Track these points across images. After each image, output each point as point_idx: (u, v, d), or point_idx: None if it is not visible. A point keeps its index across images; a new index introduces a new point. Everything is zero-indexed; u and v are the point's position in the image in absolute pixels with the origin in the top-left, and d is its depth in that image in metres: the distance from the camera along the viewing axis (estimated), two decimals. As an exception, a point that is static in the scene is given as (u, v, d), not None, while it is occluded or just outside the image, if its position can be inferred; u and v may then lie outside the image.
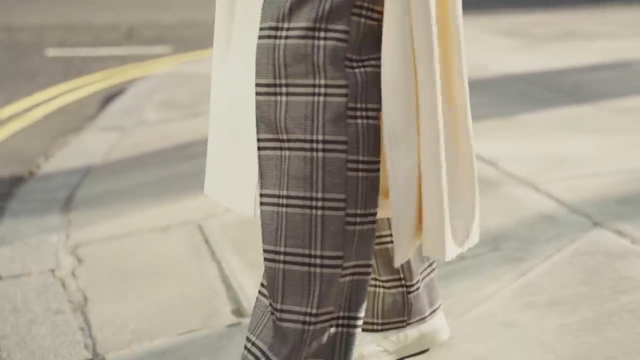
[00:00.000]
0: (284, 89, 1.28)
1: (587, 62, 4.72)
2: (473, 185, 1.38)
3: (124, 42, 6.23)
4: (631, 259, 2.07)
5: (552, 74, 4.42)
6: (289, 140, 1.28)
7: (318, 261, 1.29)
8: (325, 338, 1.32)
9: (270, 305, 1.32)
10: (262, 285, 1.36)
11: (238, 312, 2.03)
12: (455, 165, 1.36)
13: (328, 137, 1.27)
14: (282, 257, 1.30)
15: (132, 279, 2.32)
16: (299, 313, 1.30)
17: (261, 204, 1.32)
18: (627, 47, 5.22)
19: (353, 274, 1.32)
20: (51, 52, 5.89)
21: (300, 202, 1.29)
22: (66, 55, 5.78)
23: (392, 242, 1.54)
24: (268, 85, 1.29)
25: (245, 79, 1.36)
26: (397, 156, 1.29)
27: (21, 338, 2.04)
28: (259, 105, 1.30)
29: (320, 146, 1.27)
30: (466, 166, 1.37)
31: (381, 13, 1.29)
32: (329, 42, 1.26)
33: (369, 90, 1.28)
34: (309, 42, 1.25)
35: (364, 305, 1.35)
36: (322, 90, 1.26)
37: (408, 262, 1.63)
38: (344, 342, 1.34)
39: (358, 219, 1.30)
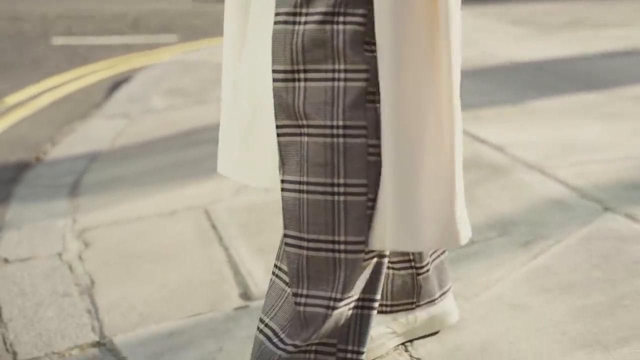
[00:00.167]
0: (302, 75, 1.26)
1: (597, 50, 4.68)
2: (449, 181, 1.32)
3: (130, 31, 6.21)
4: (643, 243, 2.05)
5: (562, 61, 4.38)
6: (308, 126, 1.27)
7: (342, 247, 1.28)
8: (341, 319, 1.30)
9: (293, 291, 1.30)
10: (279, 269, 1.35)
11: (245, 295, 2.02)
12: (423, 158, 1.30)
13: (348, 123, 1.25)
14: (305, 244, 1.29)
15: (139, 262, 2.31)
16: (323, 298, 1.29)
17: (282, 190, 1.31)
18: (637, 36, 5.18)
19: (372, 257, 1.30)
20: (57, 40, 5.88)
21: (321, 189, 1.27)
22: (72, 44, 5.77)
23: None
24: (286, 72, 1.27)
25: (264, 64, 1.34)
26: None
27: (28, 320, 2.03)
28: (276, 92, 1.29)
29: (340, 132, 1.26)
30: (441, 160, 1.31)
31: None
32: (349, 27, 1.24)
33: None
34: (328, 27, 1.24)
35: (380, 287, 1.34)
36: (342, 75, 1.25)
37: (418, 243, 1.61)
38: (359, 324, 1.32)
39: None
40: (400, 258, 1.59)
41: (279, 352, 1.31)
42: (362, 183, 1.27)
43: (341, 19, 1.24)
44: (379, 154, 1.27)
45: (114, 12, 7.16)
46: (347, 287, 1.29)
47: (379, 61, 1.22)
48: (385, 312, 1.62)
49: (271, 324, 1.34)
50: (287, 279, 1.34)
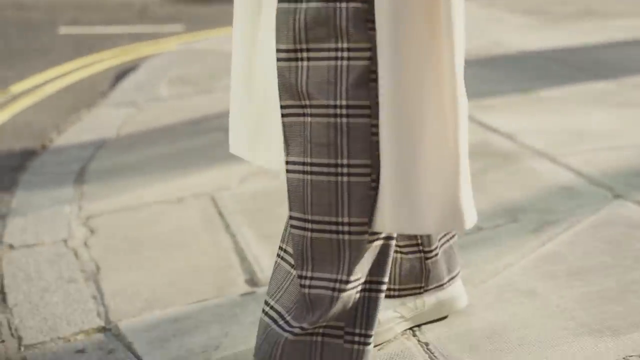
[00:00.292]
0: (304, 54, 1.24)
1: (606, 40, 4.64)
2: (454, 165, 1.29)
3: (137, 21, 6.20)
4: (654, 230, 2.02)
5: (571, 51, 4.35)
6: (311, 106, 1.25)
7: (346, 228, 1.27)
8: (349, 302, 1.29)
9: (298, 273, 1.29)
10: (284, 251, 1.33)
11: (252, 282, 2.01)
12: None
13: (351, 102, 1.24)
14: (310, 225, 1.28)
15: (145, 249, 2.30)
16: (329, 280, 1.27)
17: (287, 171, 1.30)
18: (646, 26, 5.14)
19: (378, 239, 1.29)
20: (63, 30, 5.86)
21: (325, 170, 1.26)
22: (78, 33, 5.76)
23: None
24: (288, 51, 1.25)
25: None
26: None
27: (34, 305, 2.02)
28: (280, 72, 1.27)
29: (344, 111, 1.24)
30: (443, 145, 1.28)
31: None
32: (351, 5, 1.22)
33: None
34: (331, 5, 1.22)
35: (388, 270, 1.32)
36: (345, 54, 1.23)
37: (427, 228, 1.59)
38: (367, 307, 1.31)
39: None
40: (408, 242, 1.58)
41: (286, 334, 1.29)
42: (365, 163, 1.25)
43: None
44: None
45: (121, 2, 7.15)
46: (352, 269, 1.27)
47: (377, 39, 1.20)
48: (393, 297, 1.60)
49: (277, 306, 1.32)
50: (292, 261, 1.32)
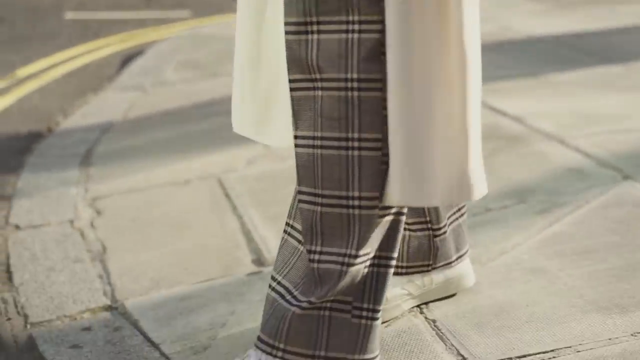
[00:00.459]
0: (314, 27, 1.23)
1: (617, 25, 4.61)
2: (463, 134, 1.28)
3: (143, 6, 6.18)
4: (663, 211, 2.01)
5: (580, 36, 4.32)
6: (321, 80, 1.24)
7: (356, 202, 1.25)
8: (357, 277, 1.28)
9: (307, 248, 1.28)
10: (291, 227, 1.32)
11: (259, 261, 2.00)
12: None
13: (363, 76, 1.22)
14: (320, 200, 1.26)
15: (151, 230, 2.30)
16: (338, 255, 1.26)
17: (296, 146, 1.29)
18: (656, 11, 5.09)
19: (389, 214, 1.28)
20: (70, 14, 5.85)
21: (336, 144, 1.25)
22: (85, 19, 5.74)
23: None
24: (298, 24, 1.24)
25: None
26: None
27: (40, 284, 2.02)
28: (288, 45, 1.25)
29: (355, 85, 1.23)
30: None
31: None
32: None
33: None
34: None
35: (397, 246, 1.31)
36: (356, 27, 1.21)
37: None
38: (375, 282, 1.30)
39: None
40: (417, 219, 1.57)
41: (293, 308, 1.28)
42: (376, 137, 1.24)
43: None
44: None
45: (127, -12, 7.12)
46: (362, 244, 1.26)
47: (386, 12, 1.19)
48: (401, 274, 1.59)
49: (284, 281, 1.31)
50: (299, 237, 1.31)
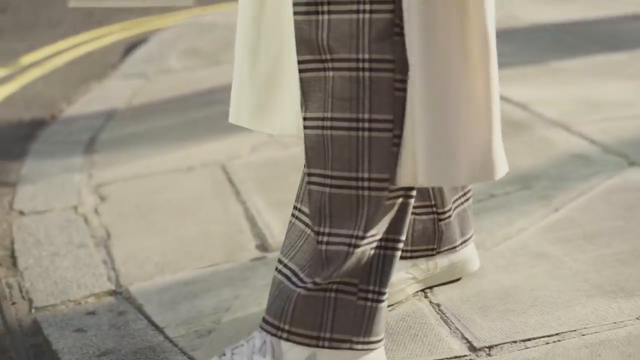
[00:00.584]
0: (325, 7, 1.22)
1: (621, 13, 4.59)
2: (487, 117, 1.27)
3: (147, -5, 6.17)
4: (668, 196, 2.00)
5: (585, 24, 4.30)
6: (332, 60, 1.23)
7: (366, 184, 1.25)
8: (364, 258, 1.27)
9: (315, 230, 1.27)
10: (299, 210, 1.32)
11: (263, 247, 2.00)
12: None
13: (374, 56, 1.21)
14: (329, 181, 1.26)
15: (155, 215, 2.30)
16: (345, 236, 1.26)
17: (305, 127, 1.28)
18: (661, -1, 5.07)
19: (397, 196, 1.27)
20: (73, 3, 5.84)
21: (346, 124, 1.24)
22: (88, 7, 5.73)
23: None
24: (308, 4, 1.23)
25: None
26: None
27: (44, 269, 2.03)
28: (297, 25, 1.24)
29: (366, 65, 1.22)
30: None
31: None
32: None
33: None
34: None
35: (405, 229, 1.30)
36: (367, 7, 1.20)
37: (440, 189, 1.58)
38: (382, 264, 1.29)
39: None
40: (422, 203, 1.56)
41: (299, 289, 1.28)
42: (387, 119, 1.23)
43: None
44: (404, 90, 1.23)
45: (131, -23, 7.11)
46: (370, 225, 1.26)
47: None
48: (405, 258, 1.59)
49: (290, 264, 1.31)
50: (307, 220, 1.31)
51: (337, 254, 1.26)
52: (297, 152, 2.64)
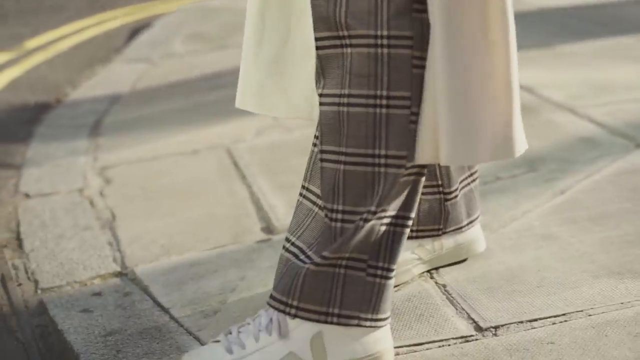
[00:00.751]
0: None
1: (627, -3, 4.56)
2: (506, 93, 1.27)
3: (151, -20, 6.15)
4: (676, 178, 1.99)
5: (591, 7, 4.28)
6: (350, 37, 1.22)
7: (382, 161, 1.24)
8: (373, 234, 1.27)
9: (328, 207, 1.27)
10: (307, 189, 1.31)
11: (268, 229, 2.00)
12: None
13: (393, 32, 1.20)
14: (343, 158, 1.25)
15: (161, 198, 2.29)
16: (359, 213, 1.25)
17: (321, 104, 1.27)
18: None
19: (410, 174, 1.27)
20: (77, -12, 5.83)
21: (364, 101, 1.23)
22: (92, -8, 5.72)
23: None
24: None
25: None
26: None
27: (50, 251, 2.03)
28: (315, 3, 1.24)
29: (385, 42, 1.21)
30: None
31: None
32: None
33: None
34: None
35: (415, 206, 1.30)
36: None
37: (447, 169, 1.57)
38: (391, 240, 1.29)
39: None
40: (428, 182, 1.56)
41: (307, 265, 1.28)
42: (405, 96, 1.22)
43: None
44: (423, 67, 1.22)
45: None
46: (382, 202, 1.25)
47: None
48: (411, 238, 1.59)
49: (298, 242, 1.31)
50: (314, 198, 1.30)
51: (347, 230, 1.26)
52: (301, 135, 2.64)
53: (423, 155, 1.24)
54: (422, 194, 1.55)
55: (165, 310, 1.65)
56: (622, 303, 1.47)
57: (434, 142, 1.23)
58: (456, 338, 1.42)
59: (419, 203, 1.56)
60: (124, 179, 2.48)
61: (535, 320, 1.44)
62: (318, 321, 1.28)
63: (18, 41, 4.38)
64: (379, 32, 1.21)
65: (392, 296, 1.42)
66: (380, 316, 1.30)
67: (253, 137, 2.70)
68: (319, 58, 1.26)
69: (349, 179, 1.25)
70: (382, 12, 1.20)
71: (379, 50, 1.21)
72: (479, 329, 1.44)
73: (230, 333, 1.34)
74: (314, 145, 1.31)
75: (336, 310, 1.28)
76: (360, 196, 1.25)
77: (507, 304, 1.50)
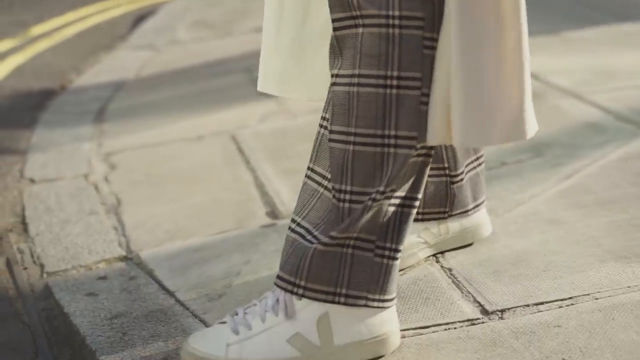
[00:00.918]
0: None
1: (633, -16, 4.53)
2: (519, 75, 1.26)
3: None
4: (683, 163, 1.98)
5: (597, -6, 4.26)
6: (362, 17, 1.22)
7: (392, 141, 1.24)
8: (381, 215, 1.27)
9: (336, 188, 1.27)
10: (312, 170, 1.31)
11: (273, 214, 2.00)
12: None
13: (405, 13, 1.20)
14: (352, 139, 1.25)
15: (165, 183, 2.29)
16: (368, 193, 1.25)
17: (334, 84, 1.27)
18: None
19: (419, 155, 1.26)
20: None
21: (374, 81, 1.23)
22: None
23: None
24: None
25: None
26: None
27: (55, 235, 2.03)
28: None
29: (396, 22, 1.20)
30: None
31: None
32: None
33: None
34: None
35: (422, 188, 1.30)
36: None
37: (453, 152, 1.57)
38: (399, 221, 1.29)
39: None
40: (434, 165, 1.55)
41: (315, 245, 1.27)
42: (416, 76, 1.22)
43: None
44: (434, 48, 1.22)
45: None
46: (391, 182, 1.25)
47: None
48: (417, 220, 1.58)
49: (303, 222, 1.30)
50: (319, 179, 1.30)
51: (355, 210, 1.26)
52: (306, 121, 2.63)
53: (434, 136, 1.24)
54: (428, 176, 1.55)
55: (170, 294, 1.65)
56: (629, 287, 1.46)
57: (444, 123, 1.23)
58: (462, 321, 1.41)
59: (425, 186, 1.55)
60: (128, 164, 2.48)
61: (542, 303, 1.44)
62: (325, 301, 1.28)
63: (23, 28, 4.38)
64: (390, 12, 1.20)
65: (398, 279, 1.42)
66: (387, 296, 1.30)
67: (257, 123, 2.70)
68: (335, 39, 1.26)
69: (358, 160, 1.25)
70: None
71: (390, 30, 1.21)
72: (485, 312, 1.43)
73: (237, 314, 1.34)
74: (321, 126, 1.30)
75: (344, 291, 1.28)
76: (369, 177, 1.25)
77: (514, 287, 1.50)
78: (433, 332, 1.39)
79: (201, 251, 1.84)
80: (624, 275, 1.50)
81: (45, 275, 1.84)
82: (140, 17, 4.62)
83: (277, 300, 1.31)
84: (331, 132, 1.27)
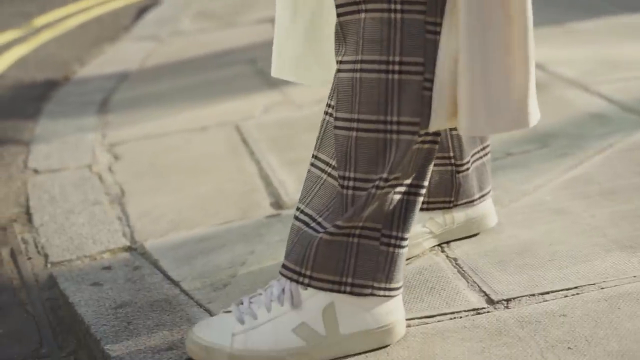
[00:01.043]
0: None
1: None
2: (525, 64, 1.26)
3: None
4: (688, 154, 1.98)
5: (602, -15, 4.23)
6: (364, 2, 1.21)
7: (395, 127, 1.23)
8: (387, 203, 1.26)
9: (340, 175, 1.26)
10: (316, 158, 1.31)
11: (277, 205, 1.99)
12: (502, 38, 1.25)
13: None
14: (355, 125, 1.25)
15: (170, 173, 2.29)
16: (371, 180, 1.25)
17: (339, 70, 1.27)
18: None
19: (424, 141, 1.26)
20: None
21: (377, 67, 1.22)
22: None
23: None
24: None
25: None
26: None
27: (59, 226, 2.03)
28: None
29: (398, 7, 1.20)
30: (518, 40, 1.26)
31: None
32: None
33: None
34: None
35: (428, 175, 1.29)
36: None
37: (459, 141, 1.56)
38: (404, 209, 1.28)
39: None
40: (439, 154, 1.55)
41: (320, 234, 1.27)
42: (418, 62, 1.21)
43: None
44: (436, 32, 1.22)
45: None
46: (395, 169, 1.24)
47: None
48: (422, 209, 1.58)
49: (307, 209, 1.30)
50: (323, 166, 1.30)
51: (360, 197, 1.26)
52: (310, 112, 2.63)
53: (437, 121, 1.23)
54: (434, 164, 1.54)
55: (175, 284, 1.65)
56: (634, 276, 1.46)
57: (448, 109, 1.22)
58: (468, 310, 1.41)
59: (431, 175, 1.54)
60: (132, 155, 2.48)
61: (547, 293, 1.43)
62: (331, 290, 1.28)
63: (26, 19, 4.37)
64: None
65: (404, 269, 1.41)
66: (393, 285, 1.30)
67: (261, 114, 2.70)
68: (339, 25, 1.26)
69: (361, 146, 1.25)
70: None
71: (392, 15, 1.20)
72: (490, 301, 1.43)
73: (242, 303, 1.34)
74: (326, 114, 1.30)
75: (349, 280, 1.27)
76: (372, 163, 1.25)
77: (519, 277, 1.49)
78: (438, 321, 1.39)
79: (206, 241, 1.84)
80: (630, 265, 1.49)
81: (49, 266, 1.84)
82: (143, 8, 4.61)
83: (283, 289, 1.30)
84: (336, 119, 1.27)
